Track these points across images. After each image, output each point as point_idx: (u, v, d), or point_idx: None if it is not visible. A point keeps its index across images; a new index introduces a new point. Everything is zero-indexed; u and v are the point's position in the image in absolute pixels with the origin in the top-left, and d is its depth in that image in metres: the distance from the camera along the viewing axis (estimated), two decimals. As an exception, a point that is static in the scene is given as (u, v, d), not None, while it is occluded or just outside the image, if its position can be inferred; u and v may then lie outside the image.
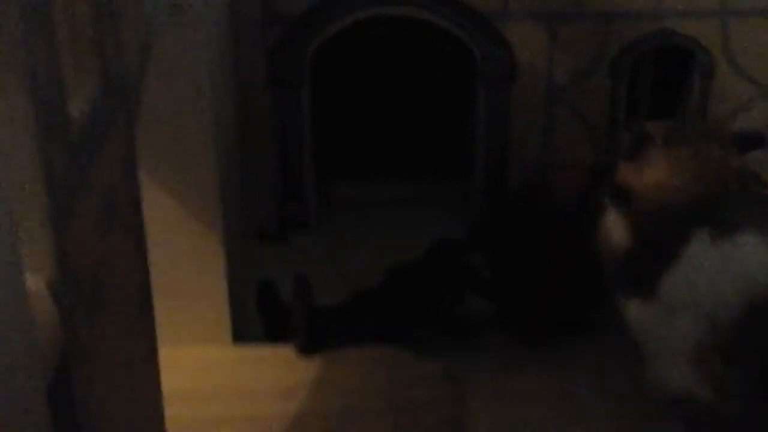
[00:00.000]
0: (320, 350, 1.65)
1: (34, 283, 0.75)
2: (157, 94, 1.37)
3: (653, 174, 1.40)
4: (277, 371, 1.62)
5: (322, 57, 1.87)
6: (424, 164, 2.06)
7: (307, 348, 1.64)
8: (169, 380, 1.27)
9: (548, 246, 1.59)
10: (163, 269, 1.48)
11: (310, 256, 1.92)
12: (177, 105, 1.40)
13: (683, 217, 1.31)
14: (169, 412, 1.23)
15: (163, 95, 1.37)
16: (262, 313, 1.71)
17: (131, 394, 1.03)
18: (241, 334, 1.67)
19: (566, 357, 1.63)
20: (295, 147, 1.89)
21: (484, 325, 1.68)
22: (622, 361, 1.56)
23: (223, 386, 1.60)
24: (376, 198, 2.04)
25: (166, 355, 1.26)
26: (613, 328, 1.45)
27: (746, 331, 1.24)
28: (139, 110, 1.08)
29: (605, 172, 1.46)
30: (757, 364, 1.23)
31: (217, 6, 1.53)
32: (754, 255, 1.24)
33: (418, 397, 1.58)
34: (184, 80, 1.38)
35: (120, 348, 0.96)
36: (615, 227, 1.40)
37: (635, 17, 1.84)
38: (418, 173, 2.06)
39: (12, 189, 0.71)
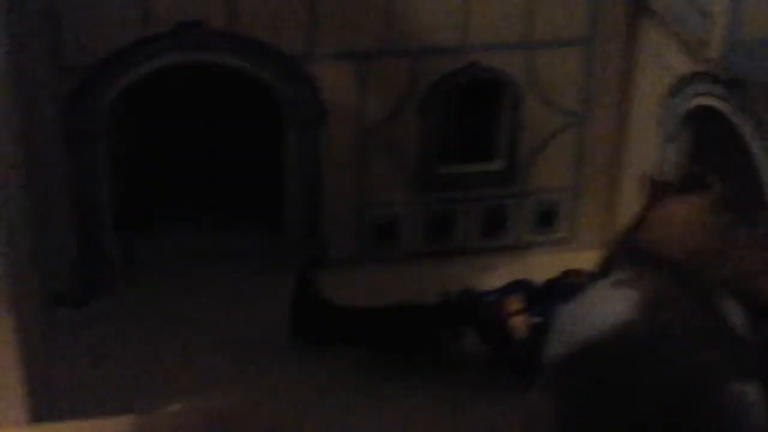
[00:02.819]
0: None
1: None
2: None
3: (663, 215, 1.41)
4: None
5: (122, 107, 1.77)
6: (234, 216, 1.98)
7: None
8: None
9: None
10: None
11: (117, 318, 1.81)
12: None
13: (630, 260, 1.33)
14: None
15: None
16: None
17: None
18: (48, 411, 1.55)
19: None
20: (94, 203, 1.78)
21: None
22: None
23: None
24: (185, 253, 1.94)
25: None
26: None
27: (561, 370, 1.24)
28: None
29: None
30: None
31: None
32: (615, 306, 1.24)
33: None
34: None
35: None
36: None
37: (442, 52, 1.81)
38: (228, 225, 1.98)
39: None
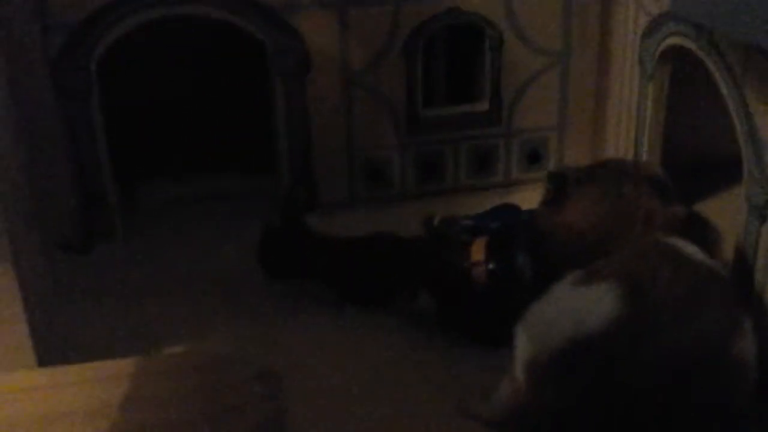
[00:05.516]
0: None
1: None
2: None
3: (563, 214, 1.50)
4: (89, 390, 1.58)
5: (113, 60, 1.82)
6: (227, 161, 2.04)
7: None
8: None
9: None
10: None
11: (118, 264, 1.88)
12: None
13: (573, 258, 1.39)
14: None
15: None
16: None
17: None
18: (50, 356, 1.62)
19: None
20: (90, 155, 1.84)
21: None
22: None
23: (31, 412, 1.55)
24: (181, 198, 2.01)
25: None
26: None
27: (552, 370, 1.29)
28: None
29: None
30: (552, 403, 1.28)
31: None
32: (593, 303, 1.28)
33: (231, 400, 1.57)
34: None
35: None
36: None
37: (422, -2, 1.84)
38: (223, 170, 2.04)
39: None
